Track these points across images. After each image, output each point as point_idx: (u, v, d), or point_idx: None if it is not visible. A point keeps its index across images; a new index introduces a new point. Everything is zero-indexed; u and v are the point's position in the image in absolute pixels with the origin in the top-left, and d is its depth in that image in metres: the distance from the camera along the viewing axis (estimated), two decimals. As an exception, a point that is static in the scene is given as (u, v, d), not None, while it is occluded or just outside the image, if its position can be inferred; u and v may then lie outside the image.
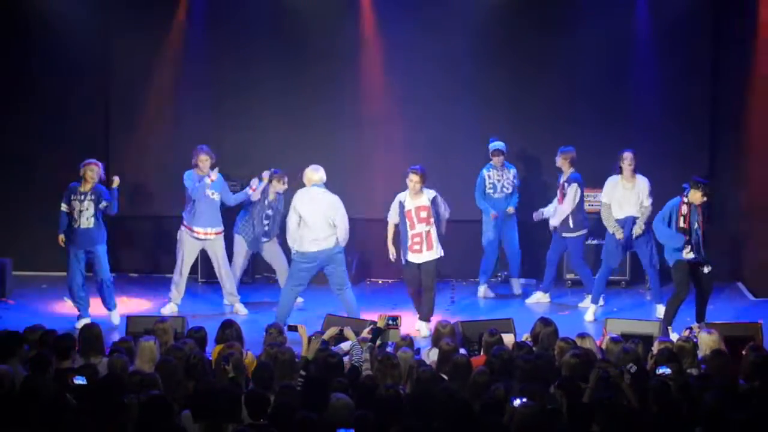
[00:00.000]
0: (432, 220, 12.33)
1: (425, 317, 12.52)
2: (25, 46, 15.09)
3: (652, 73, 14.78)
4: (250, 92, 15.03)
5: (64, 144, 15.08)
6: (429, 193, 12.34)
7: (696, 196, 11.95)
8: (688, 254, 11.90)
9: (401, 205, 12.36)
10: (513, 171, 14.07)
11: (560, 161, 13.58)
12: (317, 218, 12.19)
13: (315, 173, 12.33)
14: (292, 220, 12.25)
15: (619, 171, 13.18)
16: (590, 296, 13.41)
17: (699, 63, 14.78)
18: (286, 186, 13.41)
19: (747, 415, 7.46)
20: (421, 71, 14.89)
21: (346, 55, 14.97)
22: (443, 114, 14.95)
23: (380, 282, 14.95)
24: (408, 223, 12.36)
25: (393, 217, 12.52)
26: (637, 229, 13.04)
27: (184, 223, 13.28)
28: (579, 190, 13.45)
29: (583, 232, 13.62)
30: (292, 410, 7.43)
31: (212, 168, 13.21)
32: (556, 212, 13.58)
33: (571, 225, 13.49)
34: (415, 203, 12.33)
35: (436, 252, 12.40)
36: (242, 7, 15.03)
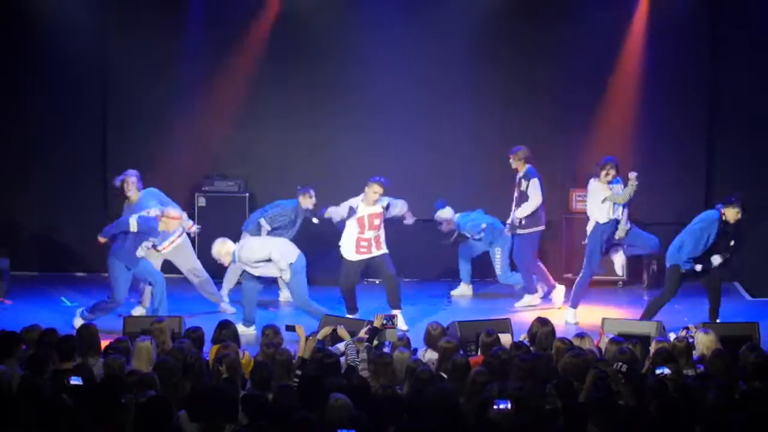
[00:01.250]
0: (382, 226, 12.63)
1: (397, 305, 12.61)
2: (24, 46, 15.09)
3: (651, 74, 14.80)
4: (248, 92, 15.02)
5: (63, 144, 15.10)
6: (382, 201, 12.59)
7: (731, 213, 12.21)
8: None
9: (353, 211, 12.54)
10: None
11: (515, 162, 13.44)
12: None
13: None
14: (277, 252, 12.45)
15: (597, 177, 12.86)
16: (529, 294, 13.55)
17: (697, 63, 14.79)
18: (314, 200, 13.49)
19: (747, 416, 7.47)
20: (419, 72, 14.90)
21: (344, 56, 14.97)
22: (441, 115, 14.96)
23: (377, 282, 14.93)
24: (358, 228, 12.56)
25: (336, 212, 12.65)
26: (621, 233, 12.87)
27: None
28: (540, 183, 13.38)
29: (538, 229, 13.52)
30: (290, 410, 7.43)
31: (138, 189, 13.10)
32: (522, 206, 13.36)
33: (523, 222, 13.47)
34: (368, 210, 12.55)
35: (384, 249, 12.67)
36: (241, 7, 15.03)
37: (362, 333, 9.81)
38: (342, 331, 9.77)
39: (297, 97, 15.01)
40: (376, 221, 12.60)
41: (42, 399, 7.75)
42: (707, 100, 14.85)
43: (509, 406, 7.37)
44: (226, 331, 9.87)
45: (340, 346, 9.62)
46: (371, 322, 9.97)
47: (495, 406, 7.38)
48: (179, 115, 15.10)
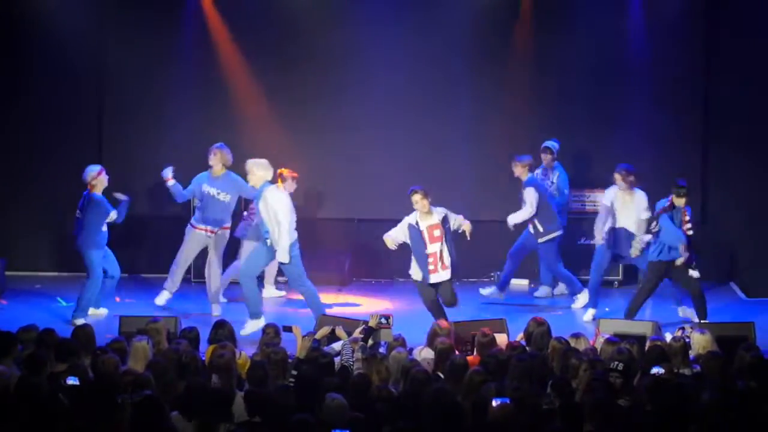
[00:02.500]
0: (444, 238, 11.93)
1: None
2: (20, 47, 15.08)
3: (646, 74, 14.81)
4: (245, 92, 15.03)
5: (59, 145, 15.08)
6: (439, 212, 11.96)
7: (679, 200, 12.13)
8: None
9: (414, 228, 11.86)
10: (556, 174, 13.89)
11: (519, 170, 13.31)
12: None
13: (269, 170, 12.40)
14: (288, 220, 12.16)
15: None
16: (582, 296, 13.46)
17: (693, 64, 14.82)
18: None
19: (742, 416, 7.47)
20: (416, 72, 14.91)
21: (342, 56, 14.97)
22: (437, 115, 14.97)
23: (373, 282, 14.96)
24: (423, 243, 11.91)
25: (396, 234, 11.99)
26: (635, 251, 12.79)
27: (191, 221, 13.33)
28: (536, 193, 13.25)
29: (555, 234, 13.46)
30: (287, 410, 7.44)
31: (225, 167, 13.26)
32: (518, 213, 13.35)
33: (540, 229, 13.42)
34: (426, 223, 11.90)
35: (449, 273, 11.99)
36: (237, 7, 15.04)
37: (357, 333, 9.81)
38: (340, 332, 9.78)
39: (294, 97, 15.01)
40: (436, 232, 11.88)
41: (39, 399, 7.74)
42: (703, 101, 14.86)
43: (508, 401, 7.39)
44: (222, 331, 9.86)
45: (336, 346, 9.63)
46: (367, 322, 9.99)
47: (494, 402, 7.39)
48: (176, 115, 15.09)
